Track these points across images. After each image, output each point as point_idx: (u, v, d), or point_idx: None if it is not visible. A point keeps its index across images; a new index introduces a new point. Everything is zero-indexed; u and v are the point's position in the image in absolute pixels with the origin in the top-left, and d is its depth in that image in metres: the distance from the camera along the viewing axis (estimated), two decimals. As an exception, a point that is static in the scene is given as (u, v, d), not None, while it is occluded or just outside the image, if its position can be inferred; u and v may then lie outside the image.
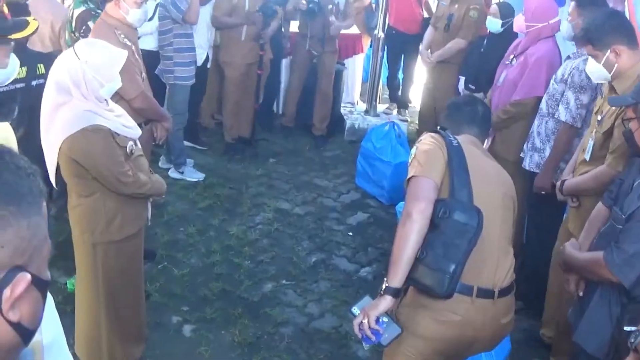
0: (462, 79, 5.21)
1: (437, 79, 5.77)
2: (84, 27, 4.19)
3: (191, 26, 5.13)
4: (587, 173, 3.07)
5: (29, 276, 0.86)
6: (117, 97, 3.23)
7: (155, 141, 3.97)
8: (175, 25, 4.99)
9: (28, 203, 0.87)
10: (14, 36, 2.82)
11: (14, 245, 0.85)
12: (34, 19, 3.47)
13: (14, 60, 2.93)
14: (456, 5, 5.60)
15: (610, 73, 2.91)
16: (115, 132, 2.75)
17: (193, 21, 5.04)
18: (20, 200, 0.86)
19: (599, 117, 3.04)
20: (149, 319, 3.56)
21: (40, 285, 0.90)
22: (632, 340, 1.72)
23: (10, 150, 0.91)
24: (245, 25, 5.72)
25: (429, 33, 5.92)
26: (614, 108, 2.88)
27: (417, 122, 7.42)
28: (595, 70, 2.97)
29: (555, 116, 3.61)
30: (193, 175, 5.52)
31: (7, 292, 0.84)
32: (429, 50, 5.84)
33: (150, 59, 4.97)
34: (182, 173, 5.49)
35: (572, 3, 3.60)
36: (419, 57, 6.85)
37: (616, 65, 2.88)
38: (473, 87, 4.90)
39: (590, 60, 2.98)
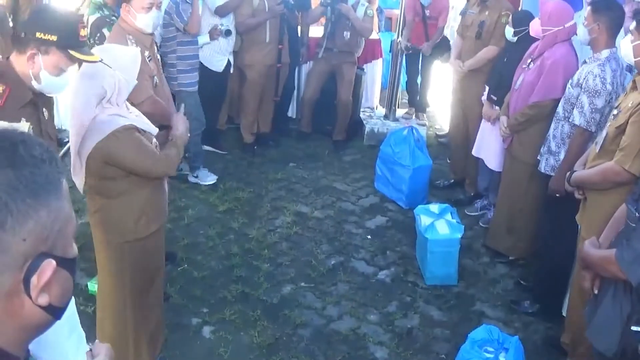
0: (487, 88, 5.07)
1: (466, 88, 5.52)
2: (98, 34, 4.25)
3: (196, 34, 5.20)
4: (595, 167, 3.10)
5: (53, 262, 0.88)
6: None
7: None
8: (179, 33, 5.06)
9: (46, 191, 0.88)
10: (81, 56, 2.52)
11: (36, 235, 0.86)
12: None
13: (67, 76, 2.56)
14: (487, 12, 5.34)
15: None
16: (142, 129, 2.85)
17: (194, 31, 5.08)
18: (38, 190, 0.86)
19: (616, 112, 3.07)
20: (169, 320, 3.65)
21: (67, 264, 0.92)
22: None
23: (23, 138, 0.89)
24: (269, 22, 5.82)
25: (457, 42, 5.76)
26: (630, 104, 2.90)
27: (435, 126, 7.42)
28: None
29: (570, 120, 3.63)
30: (206, 178, 5.57)
31: (34, 280, 0.87)
32: (460, 59, 5.63)
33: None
34: (196, 177, 5.56)
35: (588, 8, 3.61)
36: (436, 61, 6.83)
37: None
38: (495, 98, 4.79)
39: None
